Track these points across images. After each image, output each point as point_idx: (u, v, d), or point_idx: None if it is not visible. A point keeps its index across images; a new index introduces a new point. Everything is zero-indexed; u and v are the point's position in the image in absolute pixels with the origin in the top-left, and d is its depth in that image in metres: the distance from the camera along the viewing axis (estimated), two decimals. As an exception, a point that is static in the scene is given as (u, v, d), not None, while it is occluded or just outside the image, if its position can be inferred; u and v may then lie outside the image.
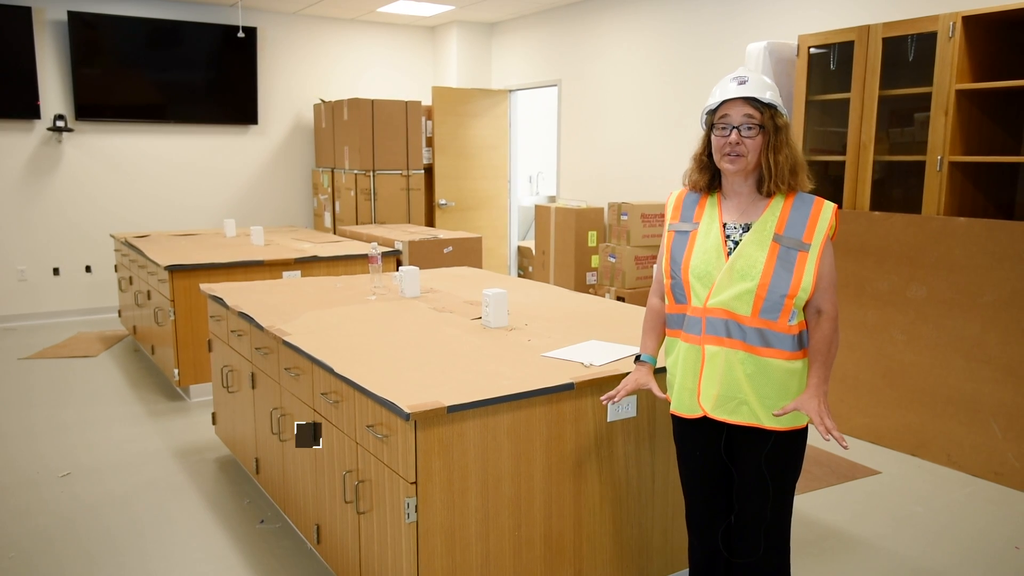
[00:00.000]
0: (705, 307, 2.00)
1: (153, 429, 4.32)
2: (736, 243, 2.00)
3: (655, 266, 2.24)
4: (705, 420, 2.08)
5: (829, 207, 1.99)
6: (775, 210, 1.99)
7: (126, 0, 7.03)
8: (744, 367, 1.99)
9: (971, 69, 3.82)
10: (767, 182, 1.99)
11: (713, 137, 2.02)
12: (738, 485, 2.10)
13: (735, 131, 1.96)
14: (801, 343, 2.00)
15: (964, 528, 3.25)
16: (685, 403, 2.09)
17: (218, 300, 3.52)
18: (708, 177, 2.08)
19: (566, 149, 7.57)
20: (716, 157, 2.02)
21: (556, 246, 6.96)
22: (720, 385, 2.01)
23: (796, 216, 1.98)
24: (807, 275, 1.94)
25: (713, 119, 2.02)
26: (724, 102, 1.98)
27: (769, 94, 1.97)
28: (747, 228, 2.01)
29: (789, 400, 2.00)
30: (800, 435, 2.06)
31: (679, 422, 2.17)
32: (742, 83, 1.97)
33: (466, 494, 2.10)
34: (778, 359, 1.98)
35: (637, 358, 2.22)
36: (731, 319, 1.98)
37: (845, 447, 1.91)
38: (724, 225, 2.04)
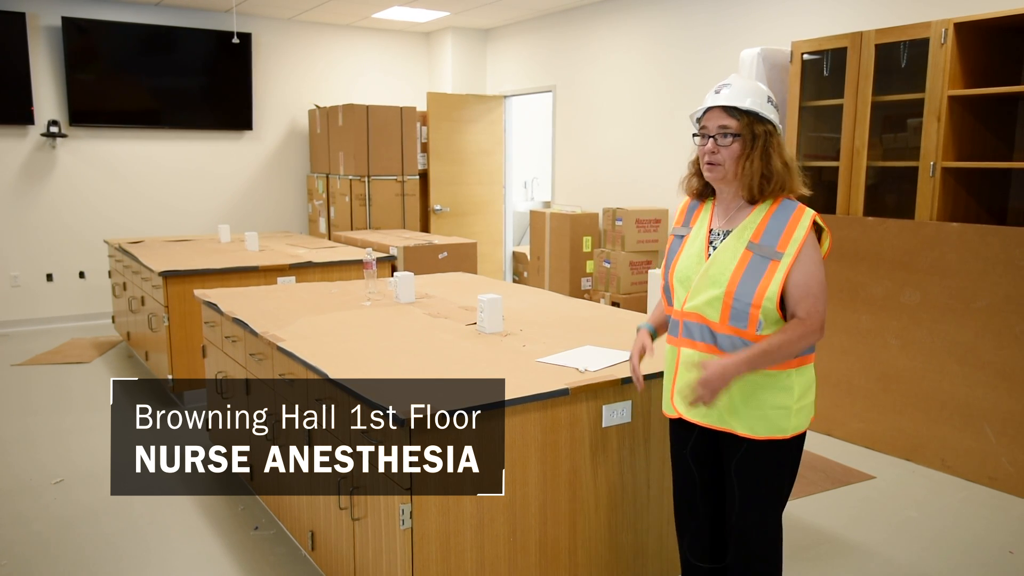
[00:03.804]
0: (682, 310, 2.03)
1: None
2: (716, 249, 2.03)
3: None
4: (690, 423, 2.11)
5: (807, 215, 1.95)
6: (756, 217, 1.99)
7: (121, 6, 7.03)
8: None
9: (963, 75, 3.84)
10: (742, 190, 1.99)
11: (696, 145, 2.05)
12: (728, 491, 2.11)
13: (711, 140, 1.97)
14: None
15: (959, 533, 3.26)
16: (665, 403, 2.15)
17: (212, 306, 3.51)
18: (700, 184, 2.10)
19: (561, 155, 7.58)
20: (700, 165, 2.04)
21: (551, 251, 6.96)
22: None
23: (774, 224, 1.96)
24: (774, 284, 1.91)
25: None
26: (707, 111, 2.00)
27: (749, 101, 1.95)
28: (728, 235, 2.02)
29: (766, 410, 1.97)
30: (781, 447, 2.01)
31: (669, 423, 2.21)
32: (719, 91, 1.98)
33: (461, 500, 2.09)
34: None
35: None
36: (704, 324, 2.00)
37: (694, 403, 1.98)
38: (711, 231, 2.06)
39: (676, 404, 2.09)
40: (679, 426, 2.14)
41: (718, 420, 2.02)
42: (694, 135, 2.05)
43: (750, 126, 1.95)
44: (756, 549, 2.08)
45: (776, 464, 2.04)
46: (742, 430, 1.99)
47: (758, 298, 1.92)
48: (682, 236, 2.12)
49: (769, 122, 1.97)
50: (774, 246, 1.94)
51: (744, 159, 1.95)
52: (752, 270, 1.94)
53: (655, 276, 5.39)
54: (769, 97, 2.00)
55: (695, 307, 2.00)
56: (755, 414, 1.98)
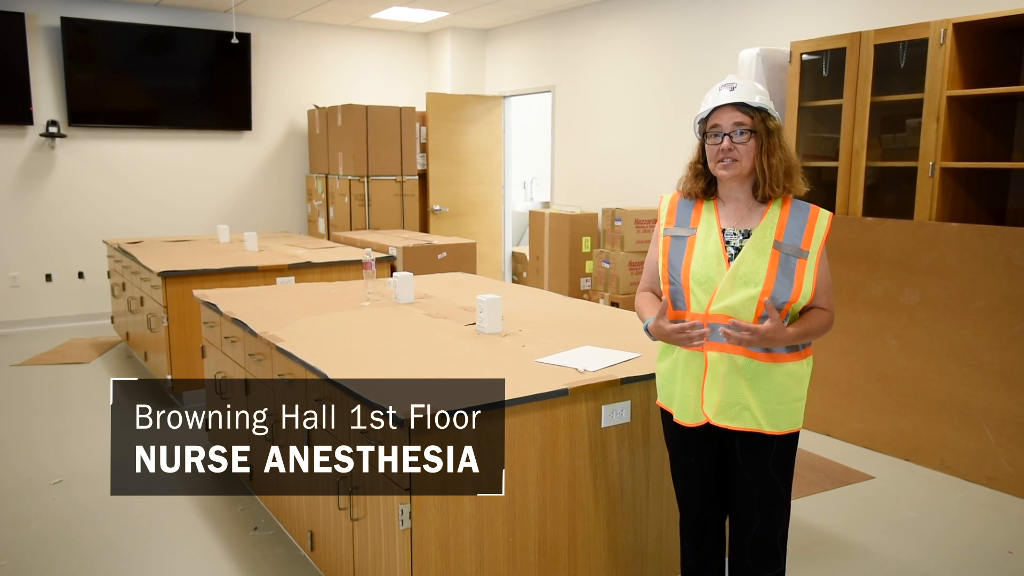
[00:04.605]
0: (707, 313, 2.00)
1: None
2: (737, 249, 2.01)
3: (646, 267, 2.24)
4: (704, 428, 2.08)
5: (825, 215, 2.01)
6: (773, 217, 2.01)
7: (120, 6, 7.02)
8: (745, 372, 1.99)
9: (962, 75, 3.85)
10: (763, 186, 1.99)
11: (707, 145, 2.03)
12: (739, 492, 2.10)
13: (727, 138, 1.97)
14: (799, 344, 2.02)
15: (958, 533, 3.26)
16: (689, 411, 2.08)
17: (212, 306, 3.51)
18: (704, 184, 2.09)
19: (560, 155, 7.58)
20: (711, 164, 2.02)
21: (550, 252, 6.96)
22: (722, 391, 2.01)
23: (794, 223, 2.00)
24: (807, 282, 1.97)
25: (705, 127, 2.03)
26: (715, 110, 2.00)
27: (758, 98, 1.98)
28: (747, 234, 2.02)
29: (789, 404, 2.01)
30: (796, 439, 2.08)
31: (676, 429, 2.15)
32: (731, 89, 1.99)
33: (460, 500, 2.09)
34: (778, 362, 2.00)
35: (646, 329, 2.10)
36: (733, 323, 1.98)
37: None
38: (723, 231, 2.04)
39: (707, 410, 2.04)
40: (704, 432, 2.09)
41: (751, 421, 2.01)
42: (703, 135, 2.05)
43: (763, 122, 1.98)
44: (779, 543, 2.11)
45: (793, 456, 2.10)
46: (770, 428, 2.01)
47: (795, 295, 1.97)
48: (683, 237, 2.08)
49: (775, 118, 2.01)
50: (798, 244, 1.98)
51: (762, 154, 1.98)
52: (784, 269, 1.97)
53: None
54: (769, 96, 2.03)
55: (725, 308, 1.98)
56: (781, 409, 2.01)
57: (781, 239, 1.98)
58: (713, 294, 1.99)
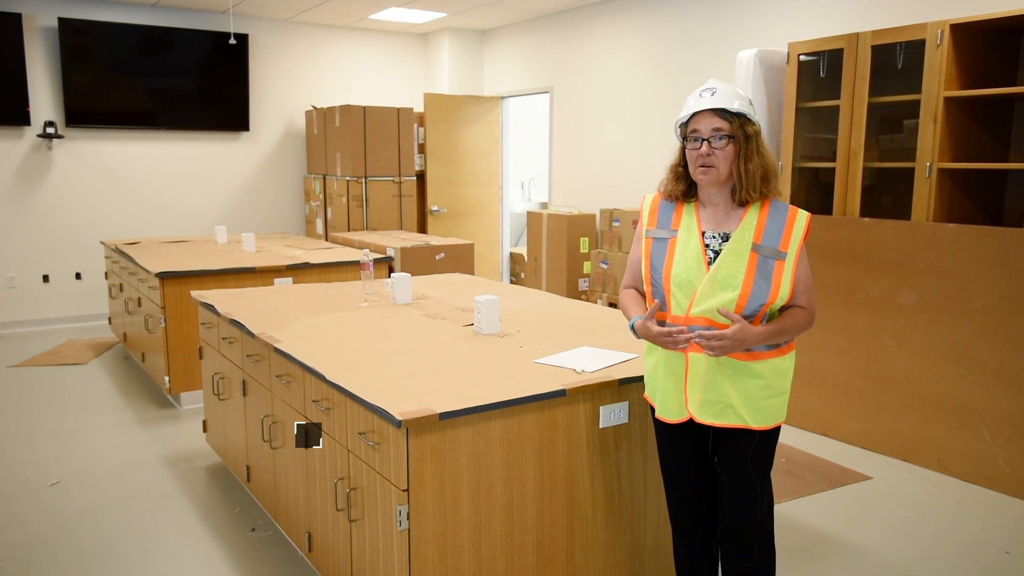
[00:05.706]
0: (687, 316, 2.02)
1: (144, 437, 4.29)
2: (716, 252, 2.03)
3: (628, 264, 2.26)
4: (689, 424, 2.11)
5: (803, 216, 2.03)
6: (752, 219, 2.02)
7: (117, 7, 7.02)
8: (727, 370, 2.02)
9: (959, 76, 3.85)
10: (739, 191, 2.01)
11: (686, 149, 2.05)
12: (726, 488, 2.11)
13: (705, 143, 1.99)
14: (781, 341, 2.05)
15: (956, 533, 3.26)
16: (671, 409, 2.11)
17: (209, 307, 3.51)
18: (684, 187, 2.11)
19: (558, 156, 7.58)
20: (690, 169, 2.05)
21: (548, 252, 6.97)
22: (704, 390, 2.04)
23: (772, 225, 2.01)
24: (784, 284, 1.99)
25: (686, 131, 2.05)
26: (694, 114, 2.01)
27: (737, 103, 1.99)
28: (726, 238, 2.04)
29: (773, 399, 2.04)
30: (777, 433, 2.11)
31: (662, 427, 2.19)
32: (711, 94, 2.00)
33: (458, 501, 2.09)
34: (758, 360, 2.02)
35: (632, 327, 2.11)
36: (712, 326, 2.00)
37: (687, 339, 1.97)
38: (703, 234, 2.06)
39: (690, 408, 2.06)
40: (689, 429, 2.12)
41: (734, 418, 2.03)
42: (683, 139, 2.07)
43: (742, 127, 1.99)
44: (759, 536, 2.12)
45: (773, 449, 2.12)
46: (755, 424, 2.03)
47: (772, 297, 1.98)
48: (664, 239, 2.10)
49: (755, 123, 2.02)
50: (776, 246, 2.00)
51: (740, 160, 1.99)
52: (762, 271, 1.98)
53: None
54: (750, 100, 2.06)
55: (705, 311, 1.99)
56: (765, 405, 2.03)
57: (759, 241, 2.00)
58: (693, 297, 2.01)
